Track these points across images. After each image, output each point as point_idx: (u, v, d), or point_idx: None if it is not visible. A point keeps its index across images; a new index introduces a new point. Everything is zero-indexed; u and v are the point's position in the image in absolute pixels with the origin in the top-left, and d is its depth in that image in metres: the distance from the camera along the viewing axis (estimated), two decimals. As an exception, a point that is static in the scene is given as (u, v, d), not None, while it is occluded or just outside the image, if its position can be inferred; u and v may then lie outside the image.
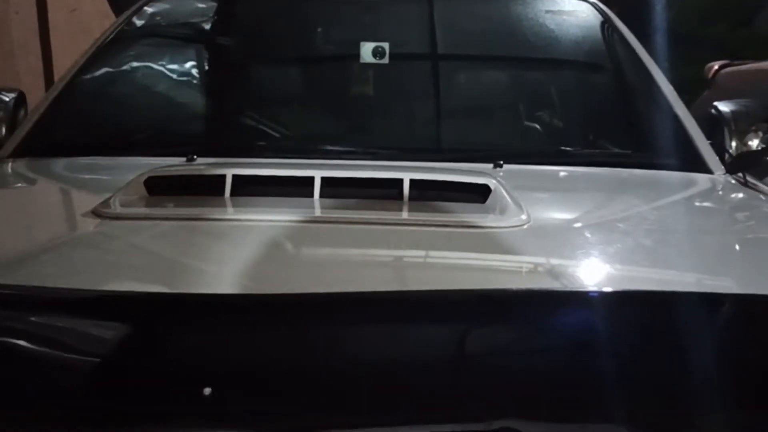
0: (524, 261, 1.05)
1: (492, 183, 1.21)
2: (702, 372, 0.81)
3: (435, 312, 0.86)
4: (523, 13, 2.18)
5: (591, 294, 0.92)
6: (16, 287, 0.86)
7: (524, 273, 1.01)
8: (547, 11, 2.20)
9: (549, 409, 0.80)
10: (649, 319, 0.88)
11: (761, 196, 1.60)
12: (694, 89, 4.50)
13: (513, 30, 2.12)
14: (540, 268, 1.02)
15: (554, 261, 1.03)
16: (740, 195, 1.61)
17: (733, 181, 1.69)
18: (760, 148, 1.96)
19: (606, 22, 2.12)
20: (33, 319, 0.85)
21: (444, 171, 1.32)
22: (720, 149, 1.89)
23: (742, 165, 1.89)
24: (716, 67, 4.40)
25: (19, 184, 1.62)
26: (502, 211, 1.15)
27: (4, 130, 1.93)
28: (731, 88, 4.05)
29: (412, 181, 1.19)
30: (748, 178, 1.87)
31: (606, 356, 0.82)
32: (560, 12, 2.20)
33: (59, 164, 1.65)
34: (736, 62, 4.38)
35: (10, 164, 1.65)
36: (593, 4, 2.17)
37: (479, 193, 1.20)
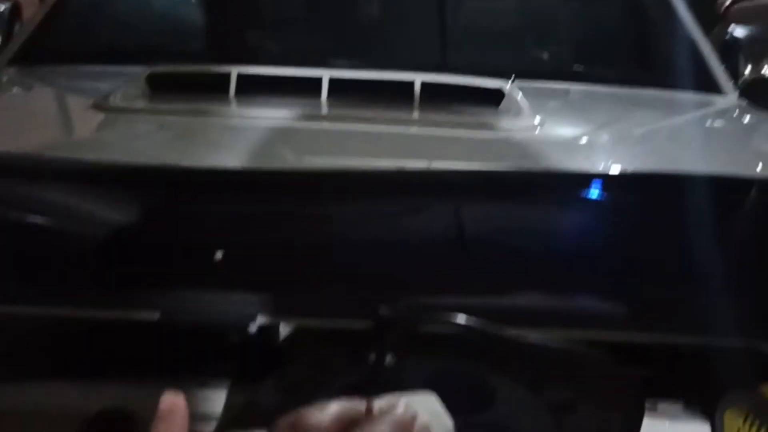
0: (536, 161, 1.03)
1: (506, 87, 1.18)
2: (700, 252, 0.80)
3: (439, 191, 0.84)
4: None
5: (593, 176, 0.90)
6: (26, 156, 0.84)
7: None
8: None
9: (551, 287, 0.79)
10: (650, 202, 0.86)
11: None
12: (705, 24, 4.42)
13: None
14: (551, 166, 1.00)
15: (566, 162, 1.01)
16: (752, 117, 1.57)
17: (745, 105, 1.67)
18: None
19: None
20: (41, 188, 0.84)
21: (456, 75, 1.28)
22: (734, 74, 1.86)
23: (755, 90, 1.86)
24: (728, 2, 4.30)
25: (17, 90, 1.59)
26: (516, 114, 1.12)
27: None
28: (744, 21, 3.97)
29: (423, 83, 1.15)
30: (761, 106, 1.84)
31: (608, 237, 0.81)
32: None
33: (58, 71, 1.61)
34: (748, -3, 4.27)
35: (7, 71, 1.61)
36: None
37: (492, 98, 1.17)
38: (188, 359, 0.79)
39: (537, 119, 1.10)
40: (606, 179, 0.88)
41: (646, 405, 0.73)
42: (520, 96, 1.17)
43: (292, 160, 0.93)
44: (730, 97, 1.67)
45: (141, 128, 1.04)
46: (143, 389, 0.77)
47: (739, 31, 1.99)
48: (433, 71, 1.55)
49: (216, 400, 0.77)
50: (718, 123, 1.60)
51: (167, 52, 1.67)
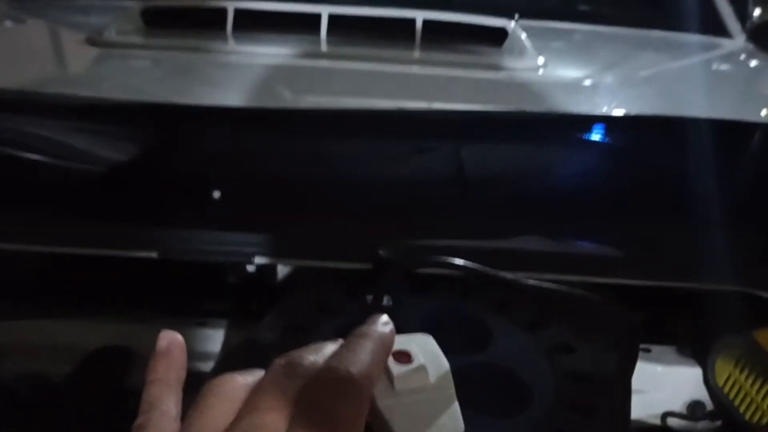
0: (538, 102, 1.01)
1: (509, 26, 1.16)
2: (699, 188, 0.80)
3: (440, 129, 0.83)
4: None
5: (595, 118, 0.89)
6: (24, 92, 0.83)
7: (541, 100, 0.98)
8: None
9: (548, 230, 0.79)
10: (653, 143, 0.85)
11: None
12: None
13: None
14: (554, 107, 0.98)
15: (568, 103, 0.99)
16: (757, 61, 1.55)
17: (752, 48, 1.64)
18: (784, 17, 1.89)
19: None
20: (36, 125, 0.82)
21: (459, 12, 1.26)
22: (742, 16, 1.83)
23: (763, 33, 1.83)
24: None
25: (10, 23, 1.55)
26: (519, 53, 1.10)
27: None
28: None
29: (425, 21, 1.12)
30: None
31: (603, 180, 0.80)
32: None
33: (51, 3, 1.57)
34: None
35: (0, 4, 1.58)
36: None
37: (496, 37, 1.15)
38: (186, 297, 0.80)
39: (540, 59, 1.08)
40: (603, 121, 0.87)
41: (640, 348, 0.74)
42: (523, 36, 1.14)
43: (289, 98, 0.91)
44: (738, 40, 1.64)
45: (136, 64, 1.02)
46: (142, 326, 0.78)
47: (749, -29, 1.93)
48: (437, 8, 1.52)
49: (214, 338, 0.78)
50: (723, 67, 1.57)
51: None
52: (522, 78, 1.04)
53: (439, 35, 1.14)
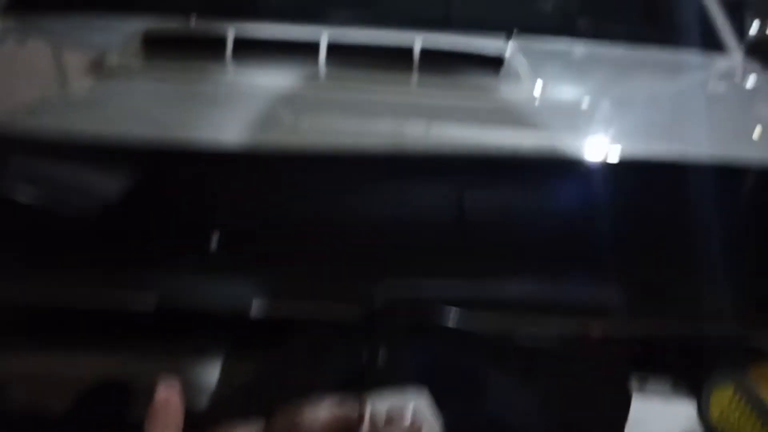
0: (535, 133, 1.02)
1: (506, 53, 1.16)
2: (701, 240, 0.80)
3: (437, 170, 0.84)
4: None
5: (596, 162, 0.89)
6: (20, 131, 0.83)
7: (535, 143, 0.98)
8: None
9: (549, 271, 0.80)
10: (651, 187, 0.86)
11: None
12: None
13: None
14: (551, 139, 0.99)
15: (564, 134, 1.00)
16: (754, 79, 1.56)
17: (749, 64, 1.65)
18: (782, 31, 1.89)
19: None
20: (33, 163, 0.83)
21: (456, 39, 1.26)
22: (740, 31, 1.83)
23: (761, 49, 1.83)
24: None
25: (11, 43, 1.56)
26: (516, 80, 1.11)
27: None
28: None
29: (423, 48, 1.13)
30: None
31: (600, 221, 0.81)
32: None
33: (50, 22, 1.58)
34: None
35: (1, 21, 1.58)
36: None
37: (493, 64, 1.16)
38: (183, 340, 0.80)
39: (537, 87, 1.08)
40: (601, 164, 0.88)
41: (635, 384, 0.75)
42: (520, 61, 1.15)
43: (288, 131, 0.91)
44: (735, 57, 1.65)
45: (136, 93, 1.03)
46: (140, 363, 0.78)
47: (746, -12, 1.94)
48: (435, 26, 1.53)
49: (210, 381, 0.78)
50: (720, 86, 1.58)
51: (164, 1, 1.63)
52: (519, 107, 1.04)
53: (436, 61, 1.14)
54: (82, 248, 0.79)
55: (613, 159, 0.92)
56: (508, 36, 1.49)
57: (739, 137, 1.10)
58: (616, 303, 0.79)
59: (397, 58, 1.14)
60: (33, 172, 0.82)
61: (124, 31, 1.48)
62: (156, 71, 1.10)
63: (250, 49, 1.14)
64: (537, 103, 1.06)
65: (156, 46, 1.15)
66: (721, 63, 1.61)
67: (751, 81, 1.59)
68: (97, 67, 1.08)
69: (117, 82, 1.06)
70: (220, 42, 1.13)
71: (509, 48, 1.20)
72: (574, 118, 1.09)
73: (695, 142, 1.00)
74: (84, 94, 1.06)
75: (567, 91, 1.23)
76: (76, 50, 1.42)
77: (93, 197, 0.80)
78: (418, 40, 1.14)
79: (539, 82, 1.11)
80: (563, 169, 0.87)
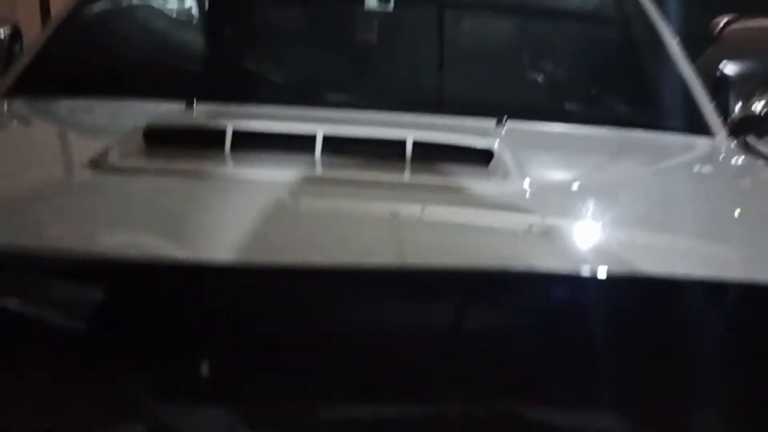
0: (524, 231, 1.04)
1: (495, 147, 1.20)
2: (702, 362, 0.81)
3: (434, 288, 0.85)
4: None
5: (588, 276, 0.89)
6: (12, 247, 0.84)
7: (524, 244, 1.00)
8: None
9: (546, 393, 0.80)
10: (644, 304, 0.87)
11: (761, 163, 1.59)
12: (702, 42, 4.43)
13: None
14: (539, 239, 1.01)
15: (554, 232, 1.02)
16: (740, 161, 1.60)
17: (735, 146, 1.68)
18: (765, 112, 1.94)
19: None
20: (27, 282, 0.83)
21: (447, 131, 1.30)
22: (724, 111, 1.88)
23: (745, 128, 1.88)
24: (722, 23, 4.31)
25: (13, 128, 1.59)
26: (504, 176, 1.14)
27: (-2, 65, 1.89)
28: (738, 44, 3.98)
29: (415, 141, 1.17)
30: (751, 141, 1.86)
31: (604, 340, 0.82)
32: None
33: (55, 106, 1.61)
34: (743, 18, 4.27)
35: (4, 105, 1.62)
36: None
37: (482, 157, 1.19)
38: None
39: (526, 182, 1.11)
40: (591, 280, 0.88)
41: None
42: (508, 156, 1.18)
43: (284, 240, 0.91)
44: (720, 139, 1.68)
45: (135, 196, 1.04)
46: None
47: (729, 68, 2.01)
48: (428, 110, 1.58)
49: None
50: (706, 169, 1.61)
51: (167, 87, 1.68)
52: (506, 205, 1.07)
53: (428, 154, 1.18)
54: (69, 365, 0.79)
55: (601, 273, 0.91)
56: (500, 120, 1.55)
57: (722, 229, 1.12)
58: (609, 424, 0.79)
59: (390, 151, 1.17)
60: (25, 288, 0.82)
61: (126, 116, 1.52)
62: (155, 168, 1.11)
63: (249, 143, 1.17)
64: (525, 199, 1.08)
65: (157, 140, 1.18)
66: (706, 145, 1.65)
67: (734, 163, 1.62)
68: (99, 166, 1.09)
69: (116, 186, 1.07)
70: (220, 135, 1.16)
71: (497, 141, 1.23)
72: (563, 216, 1.10)
73: (686, 252, 1.02)
74: (80, 201, 1.05)
75: (555, 185, 1.24)
76: (78, 142, 1.45)
77: (77, 311, 0.81)
78: (410, 136, 1.18)
79: (527, 177, 1.14)
80: (549, 285, 0.87)
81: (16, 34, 2.24)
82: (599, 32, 2.06)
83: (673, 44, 1.90)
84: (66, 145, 1.38)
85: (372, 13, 1.90)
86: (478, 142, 1.21)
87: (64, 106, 1.62)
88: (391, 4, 1.89)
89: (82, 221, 0.95)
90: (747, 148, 1.74)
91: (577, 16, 2.05)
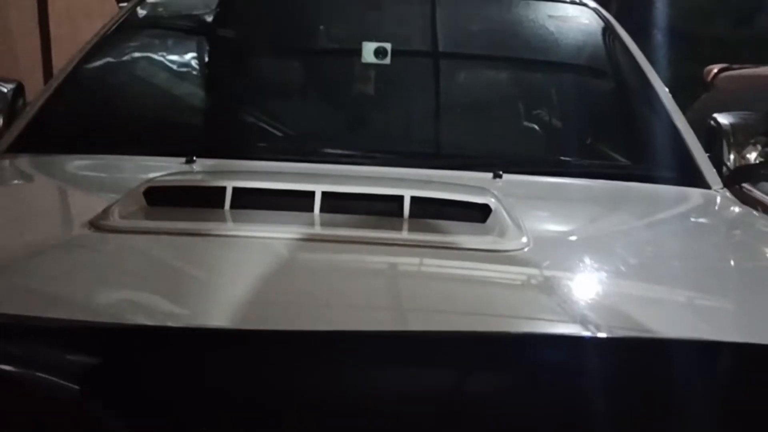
0: (521, 289, 1.05)
1: (492, 203, 1.21)
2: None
3: (431, 353, 0.85)
4: (525, 18, 2.17)
5: (585, 338, 0.89)
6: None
7: (520, 303, 1.00)
8: (550, 16, 2.19)
9: None
10: (642, 366, 0.87)
11: (755, 213, 1.61)
12: (694, 89, 4.50)
13: (515, 36, 2.11)
14: (537, 297, 1.02)
15: (551, 290, 1.03)
16: (734, 212, 1.61)
17: (729, 196, 1.70)
18: (758, 161, 1.97)
19: (607, 29, 2.10)
20: (22, 349, 0.83)
21: (444, 186, 1.32)
22: (718, 162, 1.90)
23: (739, 178, 1.90)
24: (715, 70, 4.37)
25: (14, 186, 1.60)
26: (502, 232, 1.14)
27: (1, 122, 1.92)
28: (730, 92, 4.04)
29: (412, 198, 1.18)
30: (746, 190, 1.87)
31: (603, 404, 0.81)
32: (562, 18, 2.20)
33: (56, 163, 1.63)
34: (735, 66, 4.35)
35: (6, 161, 1.64)
36: (595, 10, 2.16)
37: (479, 212, 1.20)
38: None
39: (523, 239, 1.12)
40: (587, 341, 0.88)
41: None
42: (505, 213, 1.20)
43: (283, 307, 0.91)
44: (714, 190, 1.69)
45: (135, 257, 1.05)
46: None
47: (722, 118, 2.04)
48: (427, 164, 1.60)
49: None
50: (700, 222, 1.62)
51: (168, 143, 1.70)
52: (504, 261, 1.07)
53: (425, 210, 1.19)
54: None
55: (606, 336, 0.91)
56: (497, 174, 1.57)
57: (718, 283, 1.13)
58: None
59: (389, 206, 1.19)
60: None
61: (127, 172, 1.54)
62: (156, 228, 1.12)
63: (248, 200, 1.18)
64: (521, 260, 1.09)
65: (158, 199, 1.19)
66: (701, 197, 1.66)
67: (728, 214, 1.63)
68: (100, 227, 1.09)
69: (116, 247, 1.08)
70: (220, 193, 1.17)
71: (494, 196, 1.25)
72: (561, 273, 1.11)
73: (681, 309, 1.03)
74: (79, 263, 1.05)
75: (551, 240, 1.25)
76: (81, 197, 1.46)
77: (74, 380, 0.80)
78: (408, 193, 1.19)
79: (524, 233, 1.15)
80: (554, 347, 0.87)
81: (19, 91, 2.27)
82: (593, 85, 2.10)
83: (666, 96, 1.93)
84: (67, 205, 1.39)
85: (369, 66, 1.94)
86: (475, 198, 1.22)
87: (66, 163, 1.63)
88: (388, 58, 1.93)
89: (80, 285, 0.95)
90: (742, 198, 1.76)
91: (571, 70, 2.09)
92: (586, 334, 0.90)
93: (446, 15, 2.11)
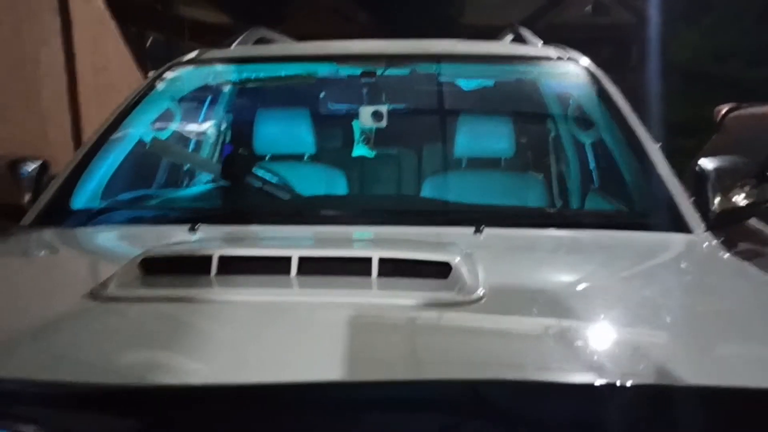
0: (470, 337, 1.13)
1: (453, 260, 1.30)
2: None
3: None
4: (514, 75, 2.27)
5: (513, 382, 0.96)
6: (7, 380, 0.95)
7: (467, 350, 1.08)
8: (539, 73, 2.29)
9: None
10: (586, 415, 0.92)
11: (735, 260, 1.61)
12: (707, 129, 4.51)
13: (502, 92, 2.21)
14: (483, 345, 1.10)
15: (500, 341, 1.11)
16: (714, 260, 1.63)
17: (712, 240, 1.72)
18: (743, 205, 1.99)
19: (595, 84, 2.16)
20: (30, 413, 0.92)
21: (412, 245, 1.42)
22: (705, 206, 1.93)
23: (722, 223, 1.92)
24: (724, 110, 4.35)
25: (29, 258, 1.73)
26: (461, 288, 1.23)
27: (27, 197, 2.07)
28: (739, 131, 4.02)
29: (380, 259, 1.29)
30: (731, 234, 1.90)
31: None
32: (551, 74, 2.29)
33: (72, 235, 1.77)
34: (744, 105, 4.33)
35: (26, 235, 1.79)
36: (584, 67, 2.21)
37: (442, 270, 1.29)
38: None
39: (479, 292, 1.20)
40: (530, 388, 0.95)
41: None
42: (464, 270, 1.28)
43: (259, 366, 1.01)
44: (698, 236, 1.73)
45: (129, 324, 1.16)
46: None
47: (708, 163, 2.08)
48: (408, 219, 1.70)
49: None
50: (680, 268, 1.63)
51: (175, 214, 1.86)
52: (460, 315, 1.16)
53: (393, 269, 1.29)
54: None
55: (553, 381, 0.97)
56: (477, 229, 1.65)
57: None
58: None
59: (359, 267, 1.29)
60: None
61: (135, 243, 1.67)
62: (149, 296, 1.25)
63: (233, 267, 1.31)
64: (479, 307, 1.17)
65: (153, 268, 1.33)
66: (683, 243, 1.70)
67: (710, 260, 1.65)
68: (98, 298, 1.23)
69: (111, 315, 1.20)
70: (207, 261, 1.30)
71: (457, 254, 1.33)
72: (513, 325, 1.18)
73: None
74: (75, 330, 1.17)
75: (513, 293, 1.30)
76: (85, 267, 1.60)
77: None
78: (375, 254, 1.29)
79: (482, 287, 1.23)
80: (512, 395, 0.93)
81: (44, 169, 2.42)
82: (577, 138, 2.18)
83: (650, 145, 1.96)
84: (71, 275, 1.53)
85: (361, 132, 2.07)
86: (437, 257, 1.32)
87: (81, 235, 1.78)
88: (384, 122, 2.06)
89: (75, 351, 1.07)
90: (725, 243, 1.79)
91: (553, 125, 2.17)
92: (517, 377, 0.97)
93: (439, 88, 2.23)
